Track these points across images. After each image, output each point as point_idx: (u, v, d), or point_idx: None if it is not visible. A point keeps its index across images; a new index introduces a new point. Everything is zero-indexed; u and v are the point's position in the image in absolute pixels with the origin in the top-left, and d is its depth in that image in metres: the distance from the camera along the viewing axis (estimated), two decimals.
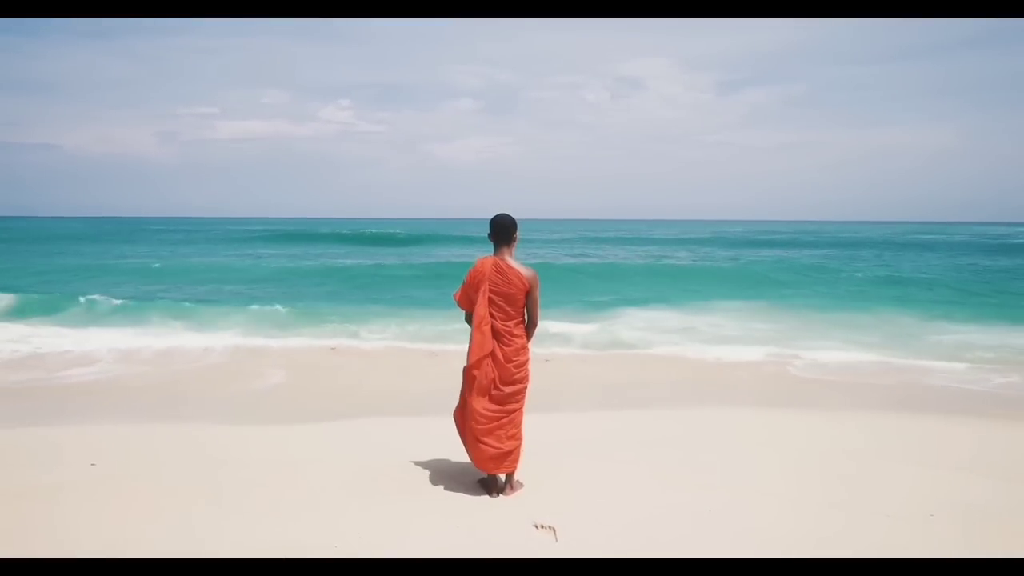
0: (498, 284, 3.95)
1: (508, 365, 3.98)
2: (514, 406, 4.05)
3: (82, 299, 14.19)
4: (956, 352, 9.90)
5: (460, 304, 4.11)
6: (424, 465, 4.52)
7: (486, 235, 4.15)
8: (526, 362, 4.08)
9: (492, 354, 3.97)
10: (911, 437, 5.64)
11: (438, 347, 10.04)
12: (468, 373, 4.04)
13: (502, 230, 4.01)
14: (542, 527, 3.59)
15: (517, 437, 4.07)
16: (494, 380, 3.98)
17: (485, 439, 3.98)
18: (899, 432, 5.81)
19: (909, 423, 6.16)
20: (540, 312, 4.12)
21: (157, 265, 25.41)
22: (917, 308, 14.72)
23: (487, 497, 4.02)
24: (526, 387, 4.10)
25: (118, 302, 14.16)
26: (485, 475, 4.18)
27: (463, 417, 4.10)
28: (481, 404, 3.98)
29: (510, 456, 4.03)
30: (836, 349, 10.10)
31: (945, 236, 58.18)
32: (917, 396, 7.55)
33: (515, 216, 4.05)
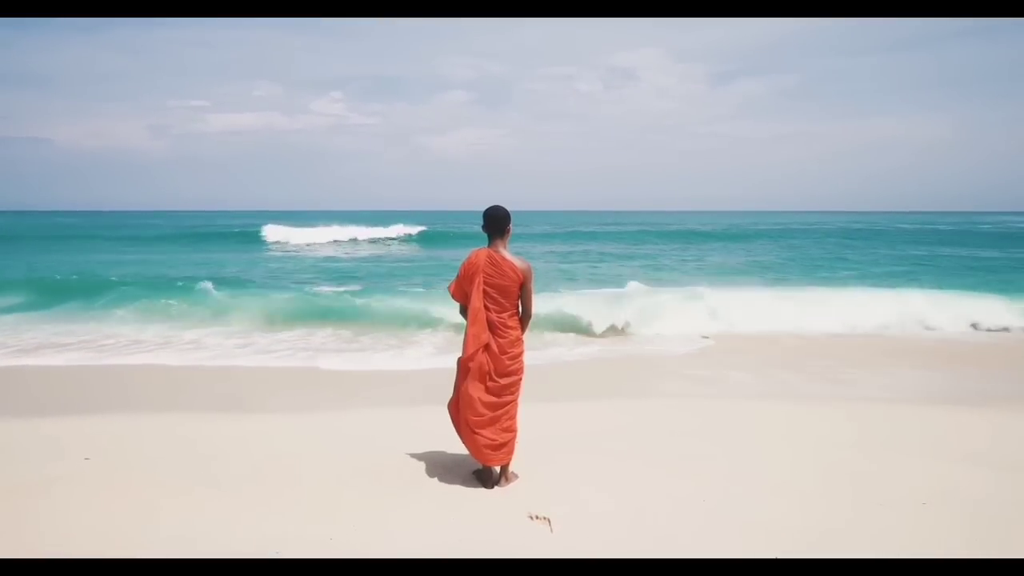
0: (492, 276, 3.95)
1: (503, 357, 3.99)
2: (509, 398, 4.06)
3: None
4: None
5: (454, 296, 4.11)
6: (418, 457, 4.53)
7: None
8: (520, 354, 4.09)
9: (487, 346, 3.98)
10: (923, 427, 5.60)
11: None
12: (463, 365, 4.04)
13: (495, 222, 4.00)
14: (537, 518, 3.60)
15: (512, 429, 4.08)
16: (489, 372, 3.99)
17: (480, 431, 3.99)
18: (909, 422, 5.77)
19: (918, 412, 6.14)
20: (534, 304, 4.12)
21: None
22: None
23: (482, 489, 4.03)
24: (521, 379, 4.11)
25: None
26: (480, 467, 4.20)
27: (457, 409, 4.11)
28: (476, 396, 3.99)
29: (505, 447, 4.04)
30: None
31: (922, 226, 57.91)
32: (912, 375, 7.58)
33: (508, 208, 4.05)
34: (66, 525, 3.48)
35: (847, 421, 5.75)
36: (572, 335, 10.46)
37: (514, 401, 4.10)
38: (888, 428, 5.53)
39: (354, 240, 34.28)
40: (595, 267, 22.79)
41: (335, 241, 33.32)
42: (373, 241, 34.40)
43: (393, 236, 36.02)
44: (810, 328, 11.00)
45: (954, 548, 3.31)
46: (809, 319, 11.34)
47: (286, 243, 32.24)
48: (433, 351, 9.32)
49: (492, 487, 4.05)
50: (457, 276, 4.06)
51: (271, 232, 34.56)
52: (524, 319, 4.12)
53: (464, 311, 4.06)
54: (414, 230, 37.72)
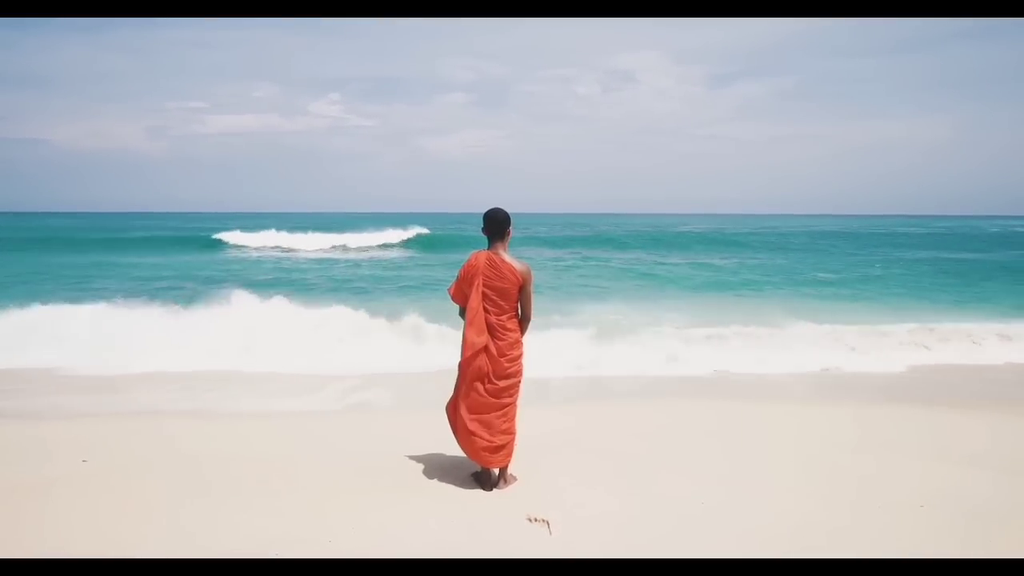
0: (491, 279, 3.96)
1: (501, 359, 4.00)
2: (507, 400, 4.07)
3: None
4: None
5: (454, 298, 4.12)
6: (417, 459, 4.53)
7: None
8: (519, 356, 4.09)
9: (486, 348, 3.98)
10: (922, 429, 5.59)
11: None
12: (462, 367, 4.05)
13: (495, 224, 4.02)
14: (536, 520, 3.61)
15: (511, 431, 4.09)
16: (487, 374, 3.99)
17: (479, 433, 4.00)
18: (908, 424, 5.76)
19: (917, 415, 6.11)
20: (533, 307, 4.13)
21: None
22: None
23: (481, 491, 4.04)
24: (519, 381, 4.12)
25: None
26: (479, 469, 4.20)
27: (455, 411, 4.12)
28: (474, 398, 4.00)
29: (503, 450, 4.05)
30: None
31: (916, 229, 58.09)
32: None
33: (508, 210, 4.06)
34: (66, 526, 3.48)
35: (847, 423, 5.76)
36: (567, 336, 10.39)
37: (512, 404, 4.11)
38: (887, 430, 5.54)
39: (367, 247, 34.05)
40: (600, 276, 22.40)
41: (335, 247, 33.17)
42: (371, 247, 34.23)
43: (394, 241, 35.84)
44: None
45: (951, 550, 3.32)
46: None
47: (289, 248, 32.16)
48: (431, 353, 9.31)
49: (491, 489, 4.05)
50: (457, 278, 4.07)
51: (272, 239, 34.50)
52: (523, 322, 4.13)
53: (463, 313, 4.06)
54: (417, 232, 37.60)
